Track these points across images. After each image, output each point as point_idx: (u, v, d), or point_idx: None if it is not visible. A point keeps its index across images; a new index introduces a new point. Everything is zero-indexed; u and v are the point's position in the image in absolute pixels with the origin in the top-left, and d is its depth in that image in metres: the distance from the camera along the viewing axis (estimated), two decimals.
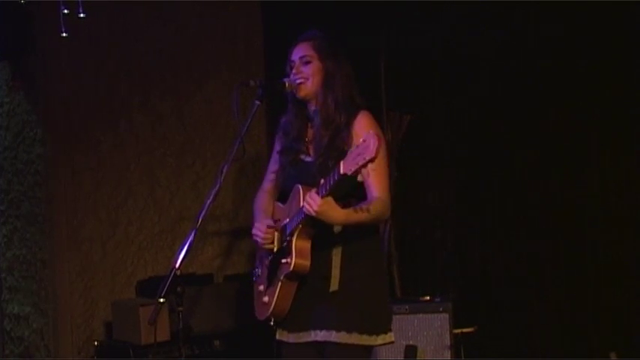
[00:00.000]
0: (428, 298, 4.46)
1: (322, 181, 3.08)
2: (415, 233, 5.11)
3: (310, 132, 3.43)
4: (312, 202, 3.06)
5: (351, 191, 3.23)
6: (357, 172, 2.88)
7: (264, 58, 5.59)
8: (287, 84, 3.36)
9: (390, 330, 3.35)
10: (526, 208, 4.75)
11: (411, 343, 4.32)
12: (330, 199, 3.07)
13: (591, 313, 4.55)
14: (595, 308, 4.54)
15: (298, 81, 3.34)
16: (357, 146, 2.87)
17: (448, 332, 4.33)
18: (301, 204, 3.15)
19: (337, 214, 3.12)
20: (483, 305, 4.83)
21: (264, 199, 3.60)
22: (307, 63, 3.34)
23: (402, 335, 4.33)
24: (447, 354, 4.32)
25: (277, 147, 3.54)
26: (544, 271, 4.69)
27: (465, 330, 4.39)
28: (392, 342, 3.35)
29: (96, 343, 4.82)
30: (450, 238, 5.02)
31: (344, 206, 3.17)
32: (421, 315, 4.35)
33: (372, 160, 2.82)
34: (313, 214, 3.07)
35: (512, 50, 4.72)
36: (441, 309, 4.35)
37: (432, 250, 5.06)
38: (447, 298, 4.42)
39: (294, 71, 3.36)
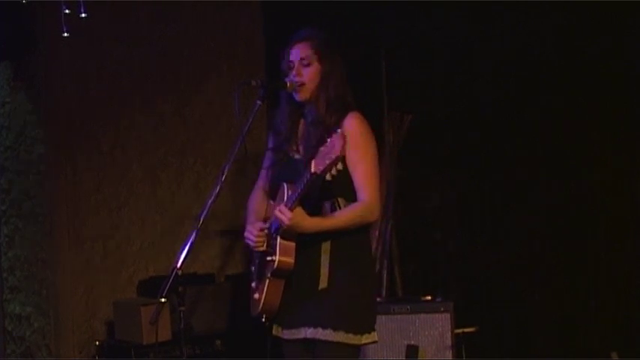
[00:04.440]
0: (429, 297, 4.46)
1: (290, 192, 3.18)
2: (416, 233, 5.11)
3: (302, 130, 3.44)
4: (283, 216, 3.15)
5: (334, 191, 3.27)
6: (327, 170, 2.92)
7: (265, 57, 5.59)
8: (288, 84, 3.36)
9: (374, 329, 3.37)
10: (527, 208, 4.75)
11: (412, 342, 4.32)
12: (299, 209, 3.17)
13: (592, 313, 4.55)
14: (596, 308, 4.54)
15: (298, 83, 3.35)
16: (325, 145, 2.91)
17: (449, 332, 4.33)
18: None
19: (307, 224, 3.21)
20: (485, 305, 4.83)
21: (258, 198, 3.64)
22: (307, 66, 3.35)
23: (403, 335, 4.33)
24: (449, 354, 4.32)
25: (269, 144, 3.56)
26: (545, 271, 4.69)
27: (466, 330, 4.39)
28: (375, 342, 3.38)
29: (97, 342, 4.82)
30: (452, 238, 5.02)
31: (331, 205, 3.28)
32: (422, 315, 4.35)
33: (339, 159, 2.87)
34: (285, 227, 3.18)
35: (514, 50, 4.72)
36: (442, 309, 4.35)
37: (434, 250, 5.06)
38: (449, 297, 4.42)
39: (294, 72, 3.36)
